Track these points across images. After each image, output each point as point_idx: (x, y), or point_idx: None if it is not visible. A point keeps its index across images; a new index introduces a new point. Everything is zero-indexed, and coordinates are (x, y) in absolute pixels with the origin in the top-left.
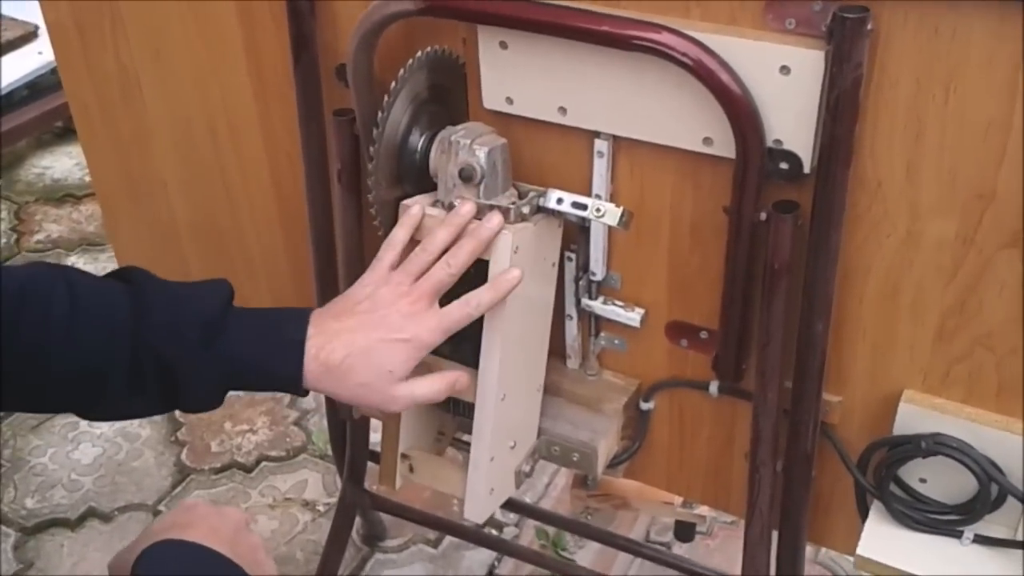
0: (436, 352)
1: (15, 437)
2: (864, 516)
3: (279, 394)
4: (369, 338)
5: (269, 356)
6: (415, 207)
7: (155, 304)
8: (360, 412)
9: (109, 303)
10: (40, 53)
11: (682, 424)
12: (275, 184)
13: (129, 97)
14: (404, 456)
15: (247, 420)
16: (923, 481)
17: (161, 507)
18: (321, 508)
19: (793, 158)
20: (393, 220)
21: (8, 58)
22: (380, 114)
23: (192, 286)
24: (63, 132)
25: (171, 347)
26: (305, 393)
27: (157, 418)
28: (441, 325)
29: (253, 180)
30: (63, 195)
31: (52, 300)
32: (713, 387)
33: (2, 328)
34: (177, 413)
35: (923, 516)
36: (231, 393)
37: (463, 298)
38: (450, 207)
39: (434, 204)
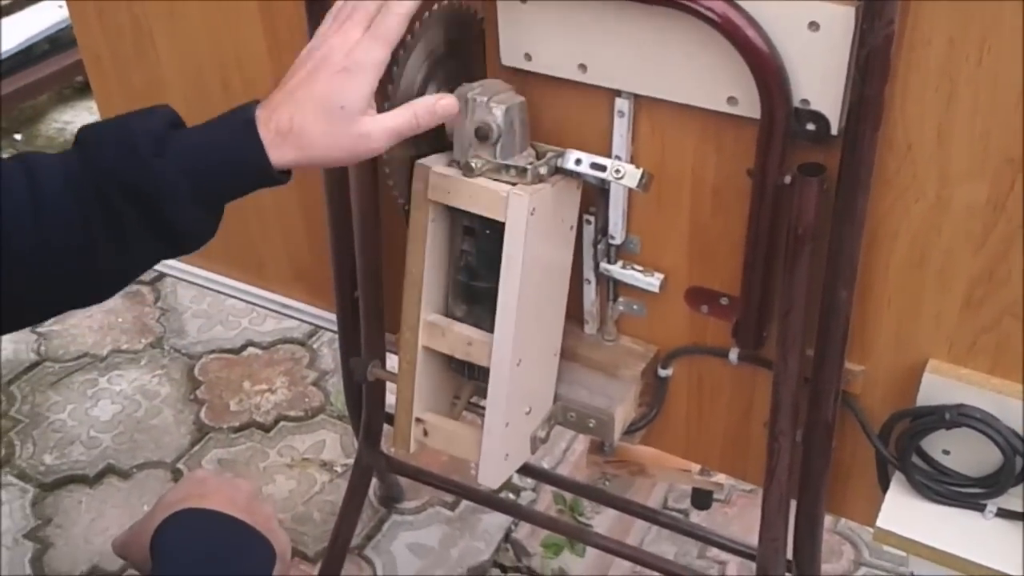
0: (449, 316)
1: (34, 393)
2: (885, 487)
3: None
4: (310, 86)
5: (226, 143)
6: None
7: (102, 138)
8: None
9: (61, 160)
10: (61, 7)
11: (701, 392)
12: None
13: (142, 50)
14: (418, 420)
15: (266, 380)
16: (946, 453)
17: (180, 465)
18: (339, 469)
19: (820, 119)
20: (407, 179)
21: (29, 11)
22: (394, 69)
23: (134, 112)
24: (84, 87)
25: (126, 165)
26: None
27: (176, 377)
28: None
29: None
30: None
31: (12, 185)
32: (733, 354)
33: None
34: (196, 370)
35: (945, 488)
36: (249, 349)
37: None
38: (466, 167)
39: (449, 164)
